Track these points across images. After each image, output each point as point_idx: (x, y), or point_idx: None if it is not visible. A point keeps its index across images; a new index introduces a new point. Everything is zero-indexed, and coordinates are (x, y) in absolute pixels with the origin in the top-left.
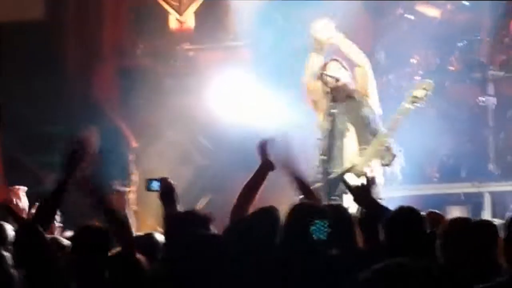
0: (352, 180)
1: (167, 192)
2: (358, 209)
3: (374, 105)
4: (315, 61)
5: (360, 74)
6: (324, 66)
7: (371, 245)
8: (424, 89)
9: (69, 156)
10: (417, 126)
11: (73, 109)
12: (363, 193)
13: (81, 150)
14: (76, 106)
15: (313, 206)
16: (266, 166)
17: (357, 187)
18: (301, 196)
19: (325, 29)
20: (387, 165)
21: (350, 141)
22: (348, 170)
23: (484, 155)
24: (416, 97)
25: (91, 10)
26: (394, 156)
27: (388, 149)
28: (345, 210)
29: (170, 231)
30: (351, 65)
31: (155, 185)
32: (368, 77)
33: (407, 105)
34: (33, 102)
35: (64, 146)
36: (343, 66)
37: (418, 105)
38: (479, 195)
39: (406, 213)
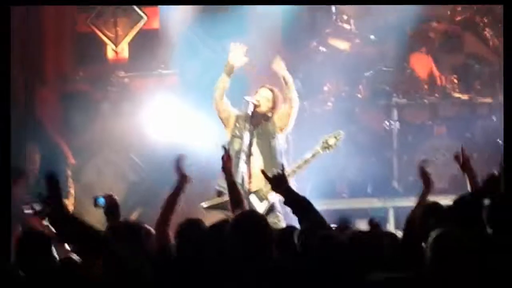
0: (256, 202)
1: (112, 207)
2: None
3: (283, 139)
4: (221, 82)
5: (286, 110)
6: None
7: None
8: (335, 138)
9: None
10: None
11: (17, 126)
12: (278, 182)
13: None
14: (19, 125)
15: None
16: (182, 180)
17: (273, 177)
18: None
19: (237, 54)
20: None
21: (256, 165)
22: (253, 192)
23: (388, 174)
24: (328, 144)
25: (34, 38)
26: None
27: None
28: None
29: (115, 241)
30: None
31: (101, 201)
32: (292, 116)
33: (319, 149)
34: None
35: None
36: (273, 98)
37: (328, 151)
38: (384, 210)
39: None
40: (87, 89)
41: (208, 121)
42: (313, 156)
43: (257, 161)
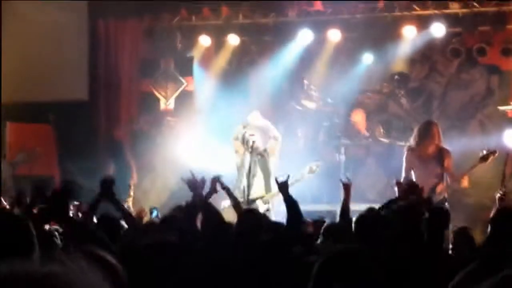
0: (260, 205)
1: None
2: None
3: (277, 163)
4: (237, 131)
5: (273, 143)
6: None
7: None
8: (317, 166)
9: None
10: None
11: (102, 152)
12: (284, 186)
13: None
14: (104, 149)
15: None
16: (213, 190)
17: (281, 183)
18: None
19: (254, 117)
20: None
21: (259, 181)
22: (258, 198)
23: (337, 188)
24: (312, 170)
25: (114, 93)
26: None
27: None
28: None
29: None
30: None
31: (154, 214)
32: (278, 145)
33: (306, 173)
34: (78, 150)
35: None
36: (265, 135)
37: (312, 174)
38: (334, 211)
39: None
40: (147, 128)
41: (223, 150)
42: (302, 177)
43: (259, 179)
